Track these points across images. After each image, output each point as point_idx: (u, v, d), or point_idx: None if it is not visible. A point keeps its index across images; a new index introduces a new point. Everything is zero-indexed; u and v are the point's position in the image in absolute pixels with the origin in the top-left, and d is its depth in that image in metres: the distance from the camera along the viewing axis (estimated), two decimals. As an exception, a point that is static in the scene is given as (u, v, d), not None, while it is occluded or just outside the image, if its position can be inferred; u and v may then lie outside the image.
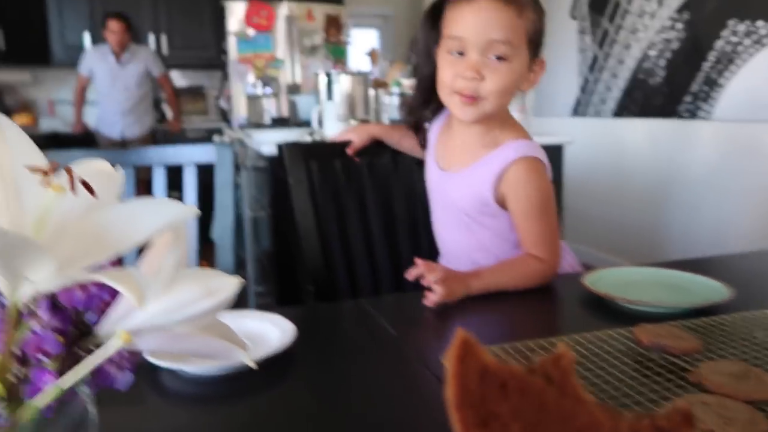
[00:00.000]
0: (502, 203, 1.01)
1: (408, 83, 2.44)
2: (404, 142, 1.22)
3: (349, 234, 1.22)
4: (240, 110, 4.51)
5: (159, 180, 1.22)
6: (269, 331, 0.78)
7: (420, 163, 1.21)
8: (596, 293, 0.86)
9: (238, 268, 1.31)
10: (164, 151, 1.22)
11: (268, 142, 2.19)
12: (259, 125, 3.65)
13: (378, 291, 1.23)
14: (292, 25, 4.67)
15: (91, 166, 0.47)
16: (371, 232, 1.24)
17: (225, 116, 4.87)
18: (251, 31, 4.57)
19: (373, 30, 6.49)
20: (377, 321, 0.83)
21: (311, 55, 4.70)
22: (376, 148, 1.24)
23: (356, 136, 1.22)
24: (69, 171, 0.40)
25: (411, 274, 0.90)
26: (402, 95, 2.42)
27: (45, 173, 0.38)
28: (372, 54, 3.10)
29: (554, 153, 2.42)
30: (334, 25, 4.79)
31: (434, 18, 1.01)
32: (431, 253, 1.18)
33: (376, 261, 1.24)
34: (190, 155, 1.22)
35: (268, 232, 2.28)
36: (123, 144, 4.20)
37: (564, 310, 0.93)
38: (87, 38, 4.61)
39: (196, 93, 5.10)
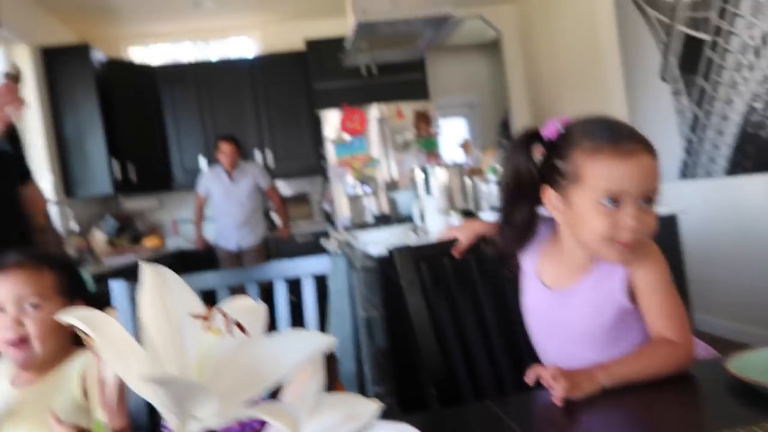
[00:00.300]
0: (633, 299, 0.99)
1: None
2: None
3: (465, 332, 1.22)
4: (343, 211, 4.71)
5: (280, 293, 1.29)
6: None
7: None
8: (746, 381, 0.79)
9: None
10: (283, 265, 1.30)
11: (374, 242, 2.26)
12: (362, 225, 3.78)
13: (501, 389, 1.20)
14: (383, 125, 4.91)
15: (238, 304, 0.53)
16: (487, 328, 1.23)
17: (329, 218, 5.09)
18: (346, 136, 4.85)
19: (461, 118, 6.67)
20: (507, 425, 0.81)
21: (404, 151, 4.88)
22: (483, 242, 1.25)
23: (462, 235, 1.25)
24: (225, 315, 0.44)
25: (529, 378, 0.89)
26: (499, 184, 2.44)
27: (206, 319, 0.43)
28: (465, 145, 3.18)
29: (668, 224, 2.31)
30: (423, 120, 4.99)
31: (527, 149, 1.02)
32: (552, 343, 1.15)
33: (496, 357, 1.22)
34: (306, 267, 1.29)
35: (383, 331, 2.31)
36: (239, 254, 4.47)
37: (709, 402, 0.86)
38: (202, 161, 5.08)
39: (300, 199, 5.40)
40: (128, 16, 4.92)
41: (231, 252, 4.48)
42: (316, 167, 5.27)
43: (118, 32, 5.27)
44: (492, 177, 2.50)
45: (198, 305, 0.48)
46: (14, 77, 1.45)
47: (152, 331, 0.45)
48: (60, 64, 4.35)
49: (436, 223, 2.28)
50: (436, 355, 1.18)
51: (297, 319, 1.29)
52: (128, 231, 4.83)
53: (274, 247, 4.81)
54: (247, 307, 0.51)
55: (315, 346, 0.45)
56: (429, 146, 4.79)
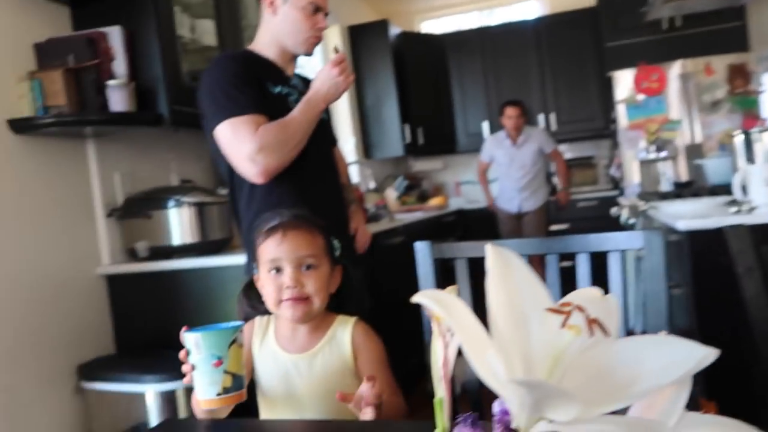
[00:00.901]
0: None
1: None
2: None
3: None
4: (632, 177, 4.33)
5: (583, 268, 1.20)
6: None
7: None
8: None
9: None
10: (588, 238, 1.21)
11: (677, 214, 2.00)
12: (655, 193, 3.41)
13: None
14: (687, 82, 4.33)
15: (584, 295, 0.47)
16: None
17: (616, 184, 4.74)
18: (641, 97, 4.40)
19: (790, 70, 5.53)
20: None
21: (712, 112, 4.24)
22: None
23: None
24: (583, 310, 0.39)
25: None
26: None
27: (566, 314, 0.39)
28: (803, 102, 2.60)
29: None
30: (739, 75, 4.25)
31: None
32: None
33: None
34: (615, 242, 1.18)
35: (686, 311, 2.05)
36: (519, 216, 4.46)
37: None
38: (485, 126, 5.14)
39: (584, 164, 5.12)
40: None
41: (511, 214, 4.48)
42: (603, 130, 4.93)
43: (412, 8, 5.57)
44: None
45: (545, 295, 0.44)
46: (341, 53, 1.62)
47: (498, 319, 0.43)
48: (362, 40, 4.78)
49: (765, 197, 1.91)
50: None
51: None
52: (416, 190, 5.16)
53: (554, 211, 4.67)
54: (595, 300, 0.46)
55: (693, 360, 0.38)
56: (746, 105, 4.08)
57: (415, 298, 0.43)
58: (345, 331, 1.14)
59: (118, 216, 2.24)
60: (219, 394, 0.89)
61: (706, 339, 1.45)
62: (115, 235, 2.26)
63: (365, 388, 0.91)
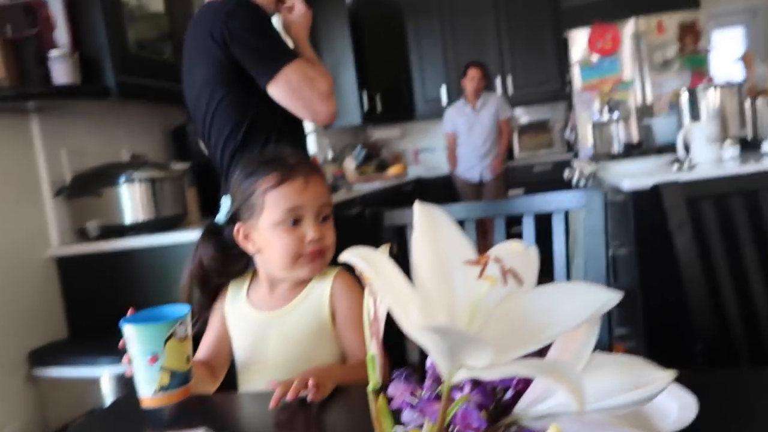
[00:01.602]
0: None
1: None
2: None
3: (749, 284, 1.05)
4: (586, 140, 4.41)
5: (528, 229, 1.24)
6: (665, 404, 0.70)
7: None
8: None
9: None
10: (532, 199, 1.24)
11: (624, 174, 2.06)
12: (607, 154, 3.50)
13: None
14: (639, 42, 4.40)
15: (508, 248, 0.49)
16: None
17: (571, 147, 4.83)
18: (595, 57, 4.46)
19: (738, 28, 5.67)
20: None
21: (663, 71, 4.33)
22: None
23: None
24: (499, 261, 0.42)
25: None
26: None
27: (482, 265, 0.41)
28: (746, 58, 2.68)
29: None
30: (689, 33, 4.34)
31: None
32: None
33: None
34: (558, 202, 1.22)
35: (630, 269, 2.14)
36: (480, 185, 4.49)
37: None
38: (443, 91, 5.14)
39: (539, 127, 5.18)
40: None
41: (472, 183, 4.50)
42: (559, 93, 4.99)
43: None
44: (783, 99, 2.07)
45: (469, 249, 0.46)
46: None
47: (423, 274, 0.44)
48: (318, 6, 4.66)
49: (705, 154, 1.98)
50: (705, 307, 1.04)
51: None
52: (375, 159, 5.16)
53: (512, 178, 4.73)
54: (518, 252, 0.48)
55: (599, 303, 0.40)
56: (695, 64, 4.18)
57: (343, 257, 0.44)
58: (325, 284, 1.02)
59: (67, 195, 2.18)
60: (156, 392, 0.82)
61: (648, 296, 1.52)
62: (63, 214, 2.20)
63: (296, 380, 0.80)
